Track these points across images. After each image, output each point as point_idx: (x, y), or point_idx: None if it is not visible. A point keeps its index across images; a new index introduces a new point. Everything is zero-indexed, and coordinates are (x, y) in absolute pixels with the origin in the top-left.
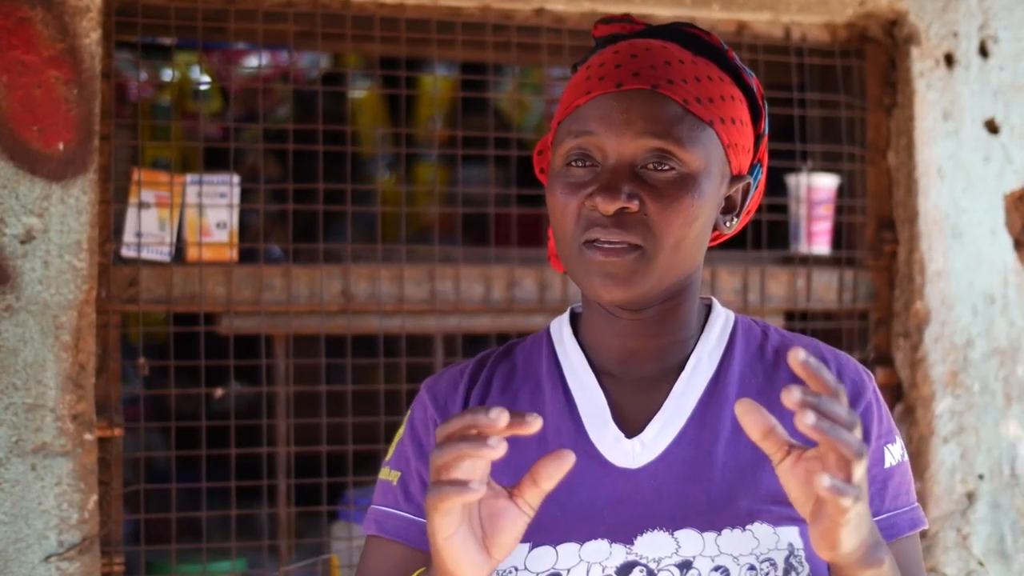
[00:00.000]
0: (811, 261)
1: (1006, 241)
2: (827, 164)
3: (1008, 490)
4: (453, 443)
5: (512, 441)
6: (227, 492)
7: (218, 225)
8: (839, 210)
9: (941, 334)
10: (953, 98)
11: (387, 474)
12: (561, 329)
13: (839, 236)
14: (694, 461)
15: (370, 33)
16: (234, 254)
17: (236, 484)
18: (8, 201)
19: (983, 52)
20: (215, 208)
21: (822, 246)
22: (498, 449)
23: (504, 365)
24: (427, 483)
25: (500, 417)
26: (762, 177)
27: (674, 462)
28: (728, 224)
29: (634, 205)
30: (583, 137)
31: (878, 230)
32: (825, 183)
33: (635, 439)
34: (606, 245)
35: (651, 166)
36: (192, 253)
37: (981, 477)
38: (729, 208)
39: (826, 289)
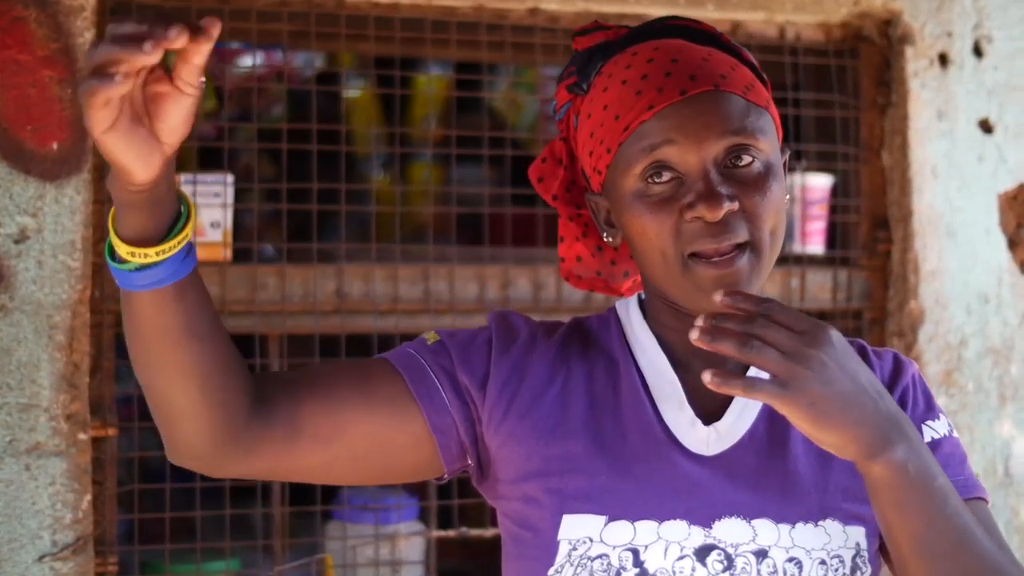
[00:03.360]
0: (805, 261)
1: (1000, 241)
2: (821, 164)
3: (1002, 489)
4: (109, 45)
5: (590, 409)
6: (221, 492)
7: (212, 225)
8: (833, 209)
9: (935, 333)
10: (947, 98)
11: (429, 334)
12: (630, 314)
13: (833, 235)
14: (769, 452)
15: (364, 32)
16: (228, 254)
17: (230, 484)
18: (2, 201)
19: (977, 52)
20: (209, 208)
21: (816, 246)
22: (153, 56)
23: (578, 335)
24: (454, 380)
25: (179, 37)
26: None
27: (748, 453)
28: (787, 199)
29: (736, 206)
30: (661, 149)
31: (872, 229)
32: (819, 183)
33: (711, 427)
34: (716, 258)
35: (731, 162)
36: None
37: (975, 476)
38: None
39: (820, 289)
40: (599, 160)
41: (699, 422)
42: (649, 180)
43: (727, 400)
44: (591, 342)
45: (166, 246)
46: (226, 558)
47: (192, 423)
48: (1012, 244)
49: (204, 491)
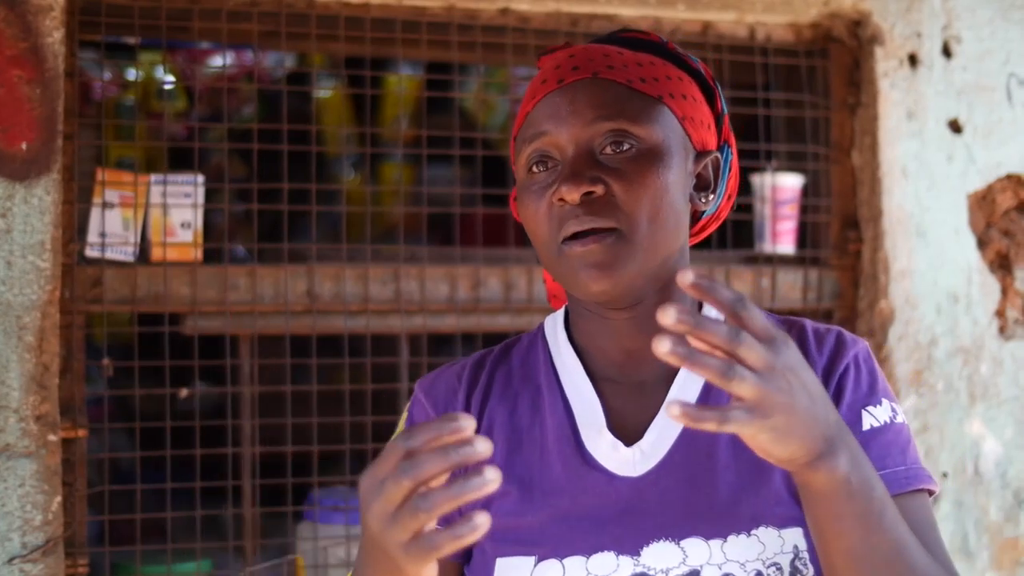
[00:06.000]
0: (776, 260)
1: (969, 240)
2: (792, 164)
3: (971, 488)
4: (443, 491)
5: (514, 448)
6: (192, 493)
7: (183, 225)
8: (804, 209)
9: (905, 333)
10: (917, 98)
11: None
12: (556, 332)
13: (804, 235)
14: (695, 466)
15: (335, 33)
16: (199, 254)
17: (201, 485)
18: None
19: (946, 52)
20: (179, 208)
21: (787, 245)
22: (496, 483)
23: (503, 368)
24: None
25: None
26: (733, 158)
27: (675, 468)
28: (704, 200)
29: (599, 188)
30: (538, 140)
31: (842, 229)
32: (790, 182)
33: (634, 447)
34: (580, 238)
35: (610, 149)
36: (156, 253)
37: (945, 475)
38: (703, 186)
39: (791, 288)
40: (513, 162)
41: (620, 444)
42: (532, 169)
43: (649, 418)
44: (515, 372)
45: None
46: (197, 559)
47: None
48: (981, 244)
49: (175, 492)
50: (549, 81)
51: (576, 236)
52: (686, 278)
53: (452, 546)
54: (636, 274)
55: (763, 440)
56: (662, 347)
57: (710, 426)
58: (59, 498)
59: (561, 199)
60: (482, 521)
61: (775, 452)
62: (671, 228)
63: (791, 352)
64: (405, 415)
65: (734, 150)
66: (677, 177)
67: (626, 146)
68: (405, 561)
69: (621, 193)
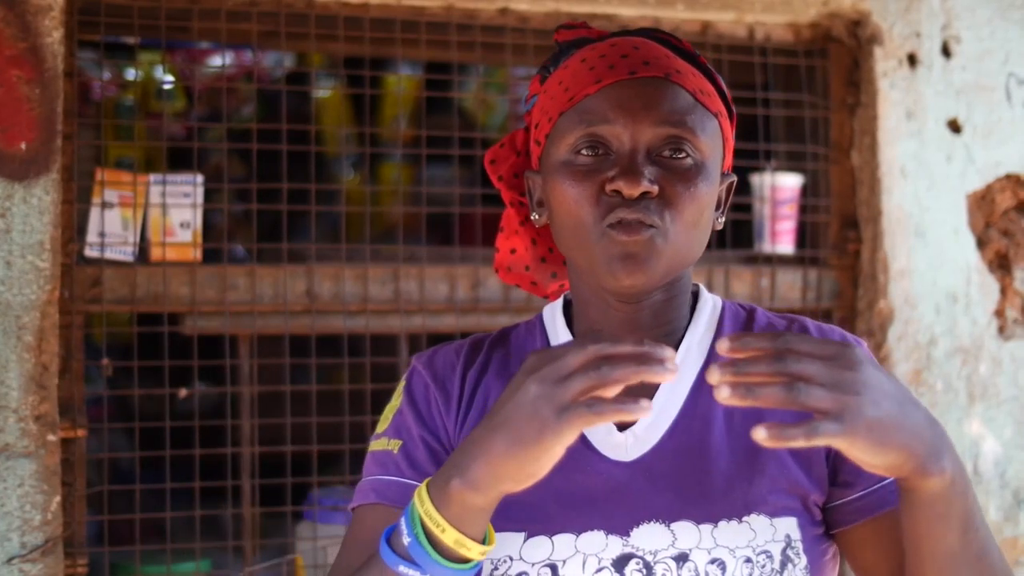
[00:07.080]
0: (775, 260)
1: (969, 240)
2: (791, 163)
3: None
4: (629, 366)
5: None
6: (191, 493)
7: (182, 225)
8: (803, 209)
9: (904, 333)
10: (916, 98)
11: (385, 444)
12: (555, 317)
13: (803, 235)
14: (688, 452)
15: (334, 32)
16: (198, 254)
17: (200, 485)
18: None
19: (946, 52)
20: (179, 208)
21: (786, 245)
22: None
23: (500, 350)
24: (433, 450)
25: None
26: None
27: (667, 454)
28: (719, 220)
29: (655, 189)
30: (598, 125)
31: (842, 229)
32: (789, 182)
33: (627, 432)
34: (626, 228)
35: (667, 153)
36: (156, 253)
37: None
38: (717, 205)
39: (790, 288)
40: (541, 131)
41: (614, 428)
42: (580, 152)
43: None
44: (512, 354)
45: (490, 546)
46: (196, 559)
47: None
48: (981, 244)
49: (174, 492)
50: (618, 68)
51: (621, 224)
52: (721, 345)
53: (613, 417)
54: (662, 275)
55: (860, 450)
56: (721, 395)
57: (799, 442)
58: (58, 498)
59: (616, 191)
60: (647, 406)
61: (875, 461)
62: (700, 240)
63: (863, 357)
64: (403, 384)
65: None
66: (715, 193)
67: (683, 154)
68: (555, 424)
69: (671, 197)
